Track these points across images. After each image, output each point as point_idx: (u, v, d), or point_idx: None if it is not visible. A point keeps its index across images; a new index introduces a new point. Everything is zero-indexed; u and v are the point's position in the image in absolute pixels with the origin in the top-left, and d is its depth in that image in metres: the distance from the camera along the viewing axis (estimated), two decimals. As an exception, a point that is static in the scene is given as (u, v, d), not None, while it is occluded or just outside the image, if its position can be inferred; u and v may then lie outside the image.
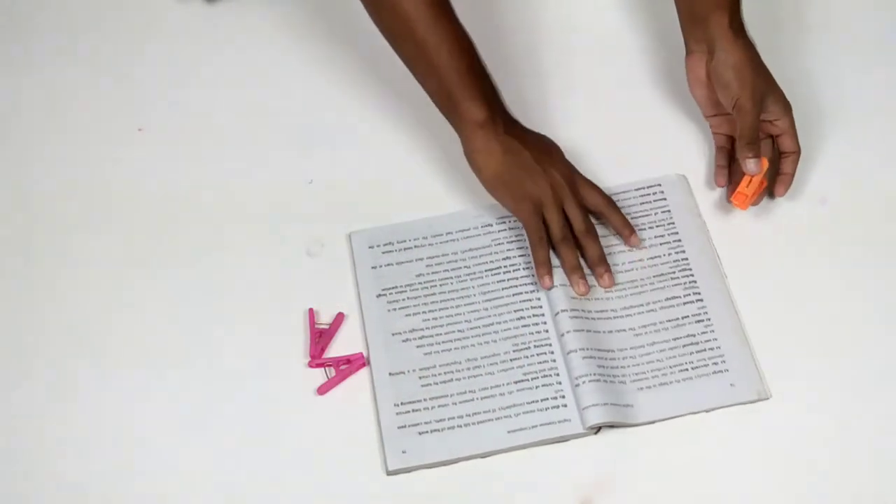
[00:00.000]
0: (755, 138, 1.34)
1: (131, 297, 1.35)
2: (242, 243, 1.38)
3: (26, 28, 1.57)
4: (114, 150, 1.46)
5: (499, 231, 1.37)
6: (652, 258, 1.34)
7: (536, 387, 1.27)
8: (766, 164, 1.35)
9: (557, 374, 1.27)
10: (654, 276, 1.33)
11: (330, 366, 1.29)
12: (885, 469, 1.22)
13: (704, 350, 1.28)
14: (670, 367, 1.27)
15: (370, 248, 1.37)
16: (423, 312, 1.32)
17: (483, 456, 1.24)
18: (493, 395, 1.26)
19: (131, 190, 1.43)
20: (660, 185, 1.40)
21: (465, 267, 1.35)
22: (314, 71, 1.51)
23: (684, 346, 1.28)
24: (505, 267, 1.35)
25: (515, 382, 1.27)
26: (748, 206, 1.35)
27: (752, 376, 1.26)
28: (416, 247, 1.37)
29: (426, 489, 1.22)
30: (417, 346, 1.30)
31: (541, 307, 1.31)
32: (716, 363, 1.27)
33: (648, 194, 1.39)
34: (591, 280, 1.33)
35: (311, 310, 1.32)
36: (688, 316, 1.30)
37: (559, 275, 1.32)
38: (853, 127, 1.44)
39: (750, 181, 1.34)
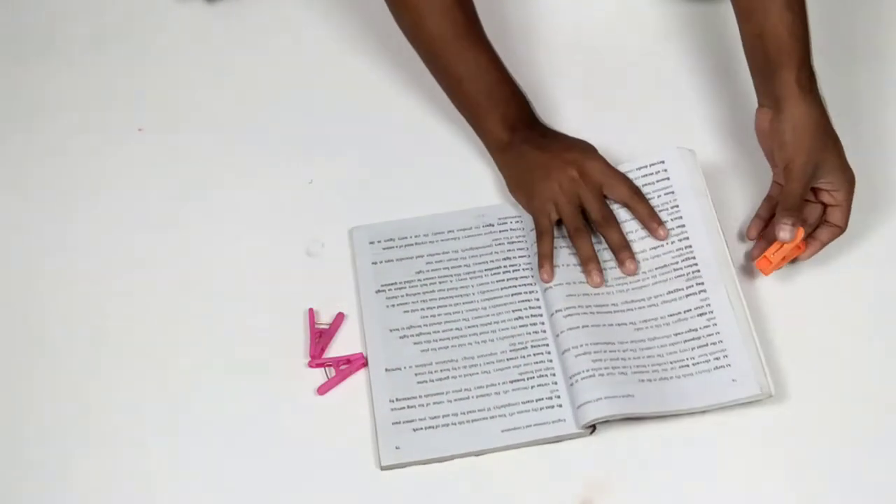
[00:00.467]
0: (796, 206, 1.28)
1: (131, 296, 1.35)
2: (242, 243, 1.38)
3: (26, 28, 1.57)
4: (114, 150, 1.46)
5: (500, 231, 1.37)
6: (654, 248, 1.33)
7: (532, 387, 1.26)
8: (801, 233, 1.28)
9: (553, 374, 1.27)
10: (656, 269, 1.32)
11: (330, 366, 1.29)
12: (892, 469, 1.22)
13: (706, 345, 1.26)
14: (671, 362, 1.26)
15: (371, 243, 1.37)
16: (422, 309, 1.32)
17: (476, 454, 1.23)
18: (489, 393, 1.26)
19: (131, 190, 1.43)
20: (663, 162, 1.37)
21: (465, 265, 1.35)
22: (314, 70, 1.52)
23: (685, 341, 1.27)
24: (505, 267, 1.34)
25: (511, 382, 1.27)
26: (771, 273, 1.30)
27: (755, 371, 1.24)
28: (416, 244, 1.36)
29: (420, 486, 1.22)
30: (415, 343, 1.30)
31: (539, 307, 1.31)
32: (717, 358, 1.25)
33: (651, 173, 1.36)
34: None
35: (311, 310, 1.32)
36: (690, 310, 1.29)
37: (561, 274, 1.32)
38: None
39: (780, 248, 1.28)
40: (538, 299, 1.32)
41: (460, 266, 1.35)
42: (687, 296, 1.29)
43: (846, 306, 1.32)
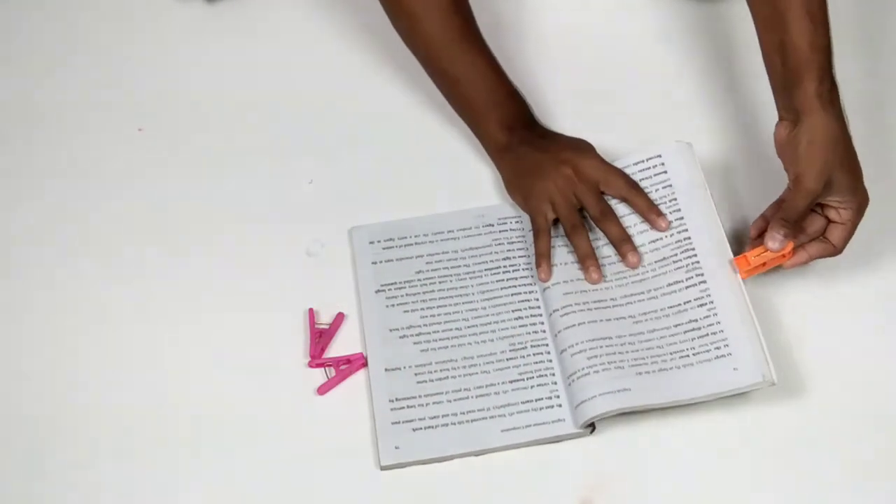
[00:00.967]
0: (794, 219, 1.26)
1: (130, 296, 1.35)
2: (242, 243, 1.38)
3: (26, 28, 1.57)
4: (114, 150, 1.46)
5: (499, 231, 1.37)
6: (653, 241, 1.33)
7: (532, 386, 1.26)
8: (789, 246, 1.26)
9: (553, 374, 1.27)
10: (655, 262, 1.32)
11: (330, 366, 1.29)
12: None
13: (707, 335, 1.25)
14: (670, 353, 1.25)
15: (371, 243, 1.37)
16: (422, 309, 1.32)
17: (476, 454, 1.23)
18: (488, 393, 1.26)
19: (131, 190, 1.43)
20: (660, 156, 1.36)
21: (464, 265, 1.35)
22: (314, 70, 1.51)
23: (685, 332, 1.26)
24: (504, 267, 1.34)
25: (510, 382, 1.27)
26: (747, 277, 1.28)
27: (756, 359, 1.23)
28: (416, 244, 1.36)
29: (420, 486, 1.22)
30: (414, 343, 1.30)
31: (539, 307, 1.31)
32: (718, 347, 1.24)
33: (648, 168, 1.36)
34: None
35: (311, 310, 1.32)
36: (690, 301, 1.28)
37: (559, 272, 1.32)
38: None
39: (764, 252, 1.27)
40: (538, 299, 1.32)
41: (460, 266, 1.35)
42: (687, 287, 1.29)
43: (850, 297, 1.32)
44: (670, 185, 1.35)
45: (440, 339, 1.30)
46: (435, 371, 1.28)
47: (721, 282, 1.28)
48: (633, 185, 1.34)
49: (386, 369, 1.28)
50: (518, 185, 1.37)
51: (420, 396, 1.26)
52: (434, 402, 1.26)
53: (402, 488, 1.22)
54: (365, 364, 1.29)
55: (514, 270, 1.34)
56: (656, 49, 1.52)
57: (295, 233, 1.38)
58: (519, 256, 1.35)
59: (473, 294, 1.33)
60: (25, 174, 1.45)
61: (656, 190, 1.35)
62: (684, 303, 1.28)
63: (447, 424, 1.24)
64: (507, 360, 1.28)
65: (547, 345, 1.29)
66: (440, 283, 1.34)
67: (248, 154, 1.45)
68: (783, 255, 1.27)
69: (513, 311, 1.31)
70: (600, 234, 1.34)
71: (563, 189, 1.34)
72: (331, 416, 1.27)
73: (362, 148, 1.45)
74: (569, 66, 1.51)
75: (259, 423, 1.26)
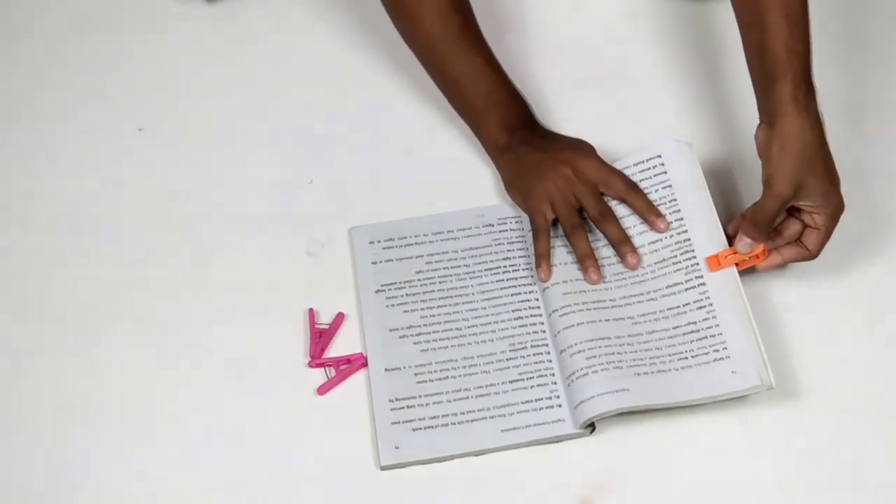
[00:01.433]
0: (764, 224, 1.26)
1: (130, 296, 1.35)
2: (242, 243, 1.38)
3: (26, 28, 1.57)
4: (114, 150, 1.46)
5: (499, 231, 1.37)
6: (653, 242, 1.33)
7: (531, 387, 1.26)
8: (760, 249, 1.27)
9: (553, 375, 1.27)
10: (655, 263, 1.32)
11: (330, 366, 1.29)
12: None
13: (705, 337, 1.26)
14: (669, 355, 1.25)
15: (371, 243, 1.37)
16: (422, 309, 1.32)
17: (476, 454, 1.23)
18: (488, 393, 1.26)
19: (131, 190, 1.43)
20: (660, 156, 1.36)
21: (464, 265, 1.35)
22: (314, 70, 1.51)
23: (684, 334, 1.26)
24: (504, 267, 1.34)
25: (510, 382, 1.27)
26: (715, 271, 1.28)
27: (755, 362, 1.23)
28: (416, 243, 1.36)
29: (420, 486, 1.22)
30: (414, 343, 1.30)
31: (538, 308, 1.31)
32: (717, 350, 1.24)
33: (648, 168, 1.36)
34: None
35: (311, 310, 1.32)
36: (689, 303, 1.28)
37: (559, 272, 1.32)
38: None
39: (733, 254, 1.27)
40: (538, 299, 1.32)
41: (460, 266, 1.35)
42: (686, 289, 1.29)
43: (849, 302, 1.32)
44: (670, 186, 1.35)
45: (440, 339, 1.30)
46: (435, 371, 1.28)
47: (720, 284, 1.28)
48: (633, 186, 1.34)
49: (386, 369, 1.28)
50: (517, 184, 1.38)
51: (420, 396, 1.26)
52: (434, 403, 1.26)
53: (402, 488, 1.22)
54: (365, 364, 1.29)
55: (513, 270, 1.34)
56: (656, 49, 1.52)
57: (295, 233, 1.38)
58: (519, 257, 1.35)
59: (473, 294, 1.33)
60: (25, 174, 1.45)
61: (656, 190, 1.35)
62: (683, 305, 1.28)
63: (447, 424, 1.24)
64: (507, 360, 1.28)
65: (547, 345, 1.29)
66: (440, 283, 1.34)
67: (248, 154, 1.45)
68: (756, 257, 1.28)
69: (513, 311, 1.31)
70: (600, 234, 1.34)
71: (563, 189, 1.34)
72: (331, 416, 1.27)
73: (362, 148, 1.45)
74: (569, 66, 1.51)
75: (259, 423, 1.26)
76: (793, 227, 1.29)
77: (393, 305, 1.32)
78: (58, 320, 1.34)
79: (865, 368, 1.27)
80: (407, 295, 1.33)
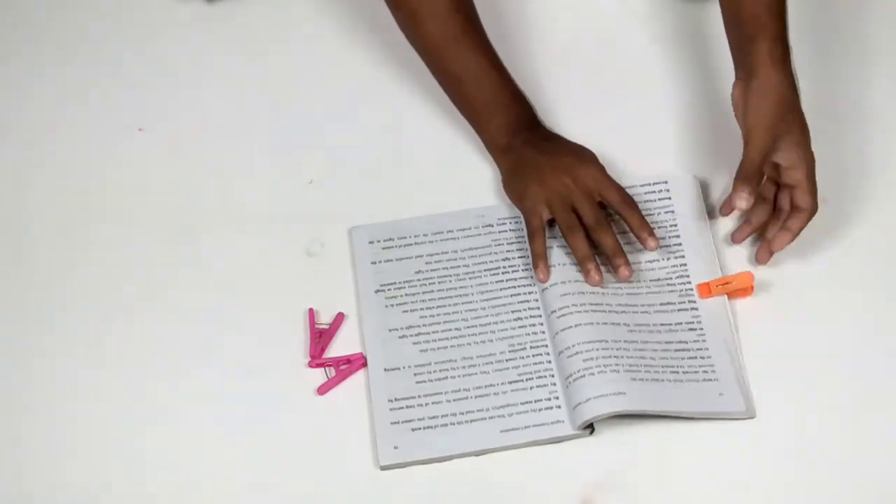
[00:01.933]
0: (753, 175, 1.27)
1: (131, 297, 1.35)
2: (242, 243, 1.38)
3: (26, 28, 1.57)
4: (114, 150, 1.46)
5: (499, 231, 1.37)
6: (650, 261, 1.33)
7: (531, 387, 1.26)
8: (751, 278, 1.29)
9: (552, 375, 1.27)
10: (650, 280, 1.32)
11: (330, 366, 1.29)
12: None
13: (696, 357, 1.27)
14: (662, 367, 1.26)
15: (370, 243, 1.37)
16: (421, 309, 1.32)
17: (476, 454, 1.23)
18: (487, 394, 1.26)
19: (131, 190, 1.43)
20: (666, 182, 1.38)
21: (464, 266, 1.35)
22: (314, 70, 1.51)
23: (676, 350, 1.27)
24: (504, 267, 1.34)
25: (510, 382, 1.27)
26: (705, 298, 1.30)
27: (741, 389, 1.24)
28: (416, 244, 1.36)
29: (419, 486, 1.22)
30: (414, 343, 1.30)
31: (538, 308, 1.31)
32: (705, 371, 1.26)
33: (654, 191, 1.37)
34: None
35: (311, 310, 1.32)
36: (681, 323, 1.29)
37: (558, 273, 1.31)
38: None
39: (727, 283, 1.29)
40: (537, 300, 1.32)
41: (459, 266, 1.35)
42: (679, 310, 1.30)
43: (848, 298, 1.32)
44: (673, 211, 1.36)
45: (440, 340, 1.30)
46: (434, 371, 1.28)
47: (712, 311, 1.29)
48: (629, 201, 1.34)
49: (385, 369, 1.28)
50: (515, 184, 1.37)
51: (419, 396, 1.26)
52: (433, 403, 1.26)
53: (402, 488, 1.22)
54: (365, 364, 1.29)
55: (513, 271, 1.34)
56: (659, 49, 1.52)
57: (295, 233, 1.38)
58: (518, 257, 1.35)
59: (473, 294, 1.33)
60: (25, 173, 1.45)
61: (659, 214, 1.36)
62: (675, 324, 1.29)
63: (446, 425, 1.25)
64: (507, 360, 1.28)
65: (546, 346, 1.29)
66: (440, 283, 1.34)
67: (248, 154, 1.45)
68: (745, 290, 1.29)
69: (512, 311, 1.31)
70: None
71: (561, 194, 1.34)
72: (331, 416, 1.27)
73: (362, 148, 1.45)
74: (571, 67, 1.50)
75: (259, 423, 1.26)
76: (783, 198, 1.31)
77: (392, 305, 1.32)
78: (57, 320, 1.34)
79: (865, 369, 1.27)
80: (406, 295, 1.33)
